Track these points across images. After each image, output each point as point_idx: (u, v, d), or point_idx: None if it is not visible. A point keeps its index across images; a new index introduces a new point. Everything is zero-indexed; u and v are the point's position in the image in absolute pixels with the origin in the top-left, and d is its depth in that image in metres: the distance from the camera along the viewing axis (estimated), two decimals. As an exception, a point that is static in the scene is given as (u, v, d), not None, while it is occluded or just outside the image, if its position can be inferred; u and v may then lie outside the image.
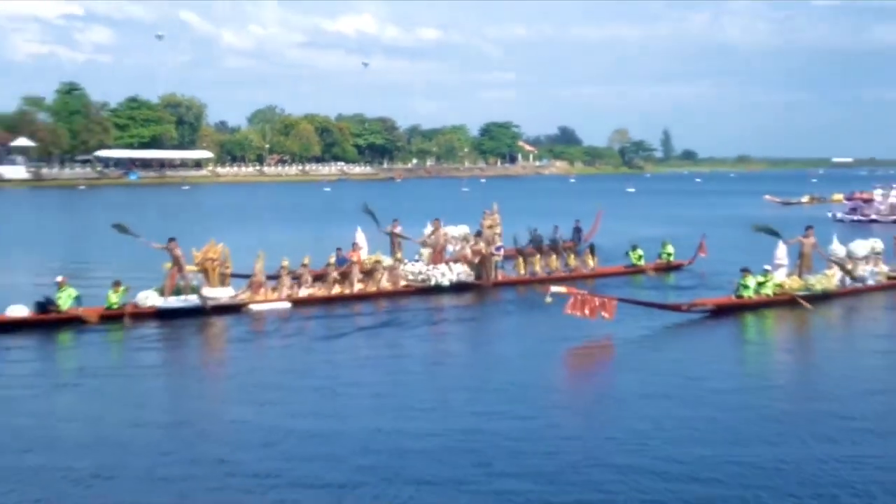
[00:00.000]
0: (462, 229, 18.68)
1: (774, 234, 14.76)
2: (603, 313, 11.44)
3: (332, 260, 15.88)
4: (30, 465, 6.73)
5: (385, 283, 15.80)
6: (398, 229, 18.54)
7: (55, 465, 6.68)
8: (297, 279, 15.07)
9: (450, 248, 18.29)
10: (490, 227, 17.70)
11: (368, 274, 15.88)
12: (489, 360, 11.18)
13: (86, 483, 6.30)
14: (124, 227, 14.17)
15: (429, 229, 18.35)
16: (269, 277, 14.85)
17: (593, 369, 11.16)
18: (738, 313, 13.59)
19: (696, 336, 12.52)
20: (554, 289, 12.03)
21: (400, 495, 5.94)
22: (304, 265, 15.30)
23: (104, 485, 6.29)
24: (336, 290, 15.31)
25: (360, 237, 17.97)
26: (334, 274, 15.34)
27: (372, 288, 15.71)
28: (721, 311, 13.36)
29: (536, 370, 10.17)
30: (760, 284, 13.76)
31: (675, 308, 13.11)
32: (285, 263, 14.88)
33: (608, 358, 11.46)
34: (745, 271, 13.88)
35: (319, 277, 15.44)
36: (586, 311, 11.40)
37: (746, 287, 13.62)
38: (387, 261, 16.37)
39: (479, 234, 17.61)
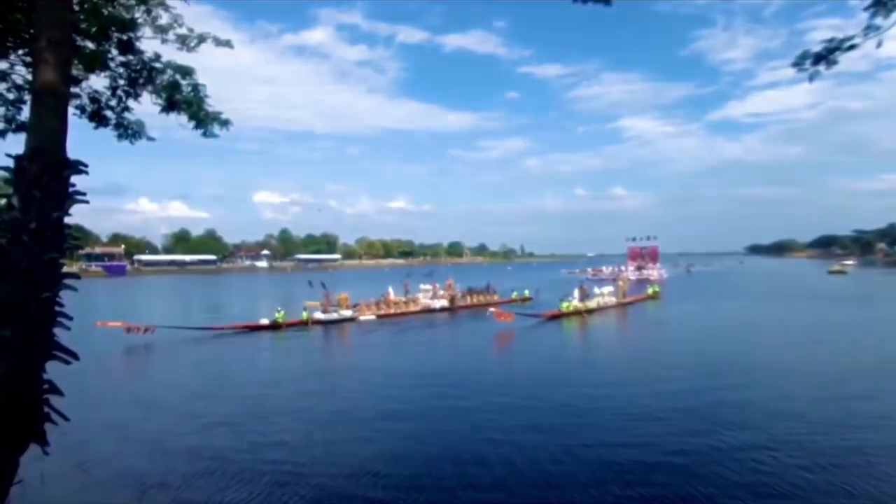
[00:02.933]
0: (429, 286, 36.38)
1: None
2: (508, 319, 27.42)
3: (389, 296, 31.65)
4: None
5: (413, 307, 31.63)
6: (407, 284, 35.56)
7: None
8: (369, 306, 30.33)
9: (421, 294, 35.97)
10: (449, 284, 35.50)
11: (388, 304, 31.56)
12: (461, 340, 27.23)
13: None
14: (311, 283, 28.90)
15: (426, 286, 35.56)
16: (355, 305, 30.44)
17: (506, 346, 26.27)
18: (559, 318, 30.67)
19: (544, 328, 29.23)
20: (491, 309, 28.17)
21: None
22: (383, 301, 30.69)
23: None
24: (385, 310, 30.89)
25: (390, 290, 34.45)
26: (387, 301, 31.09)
27: (408, 309, 31.33)
28: (552, 317, 30.34)
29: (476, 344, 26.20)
30: (568, 305, 31.12)
31: (536, 316, 29.80)
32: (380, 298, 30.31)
33: (512, 340, 26.75)
34: (562, 300, 31.23)
35: (377, 304, 30.99)
36: (503, 319, 27.35)
37: (562, 307, 30.85)
38: (400, 298, 32.37)
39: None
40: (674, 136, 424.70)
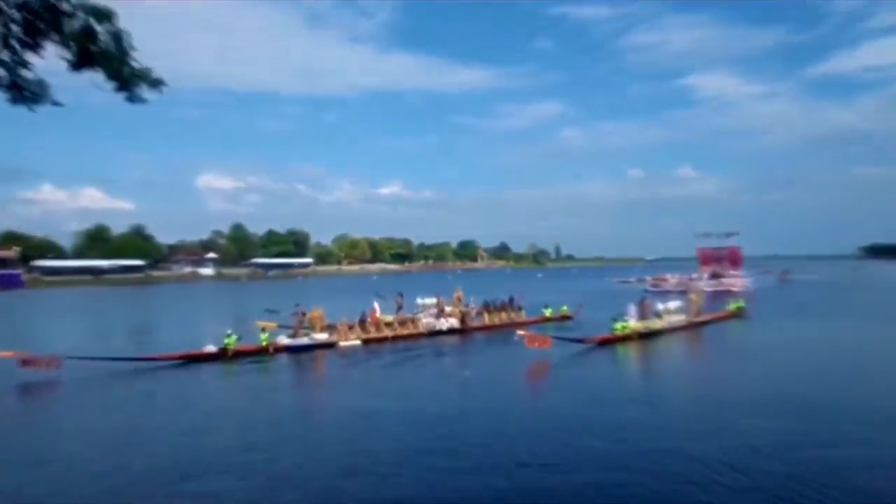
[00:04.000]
0: (433, 300, 36.80)
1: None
2: (543, 345, 27.52)
3: (368, 317, 31.87)
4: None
5: (411, 329, 31.73)
6: (400, 299, 36.08)
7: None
8: (351, 327, 30.43)
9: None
10: (457, 297, 36.14)
11: (376, 326, 31.87)
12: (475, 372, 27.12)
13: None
14: (271, 310, 28.97)
15: (429, 300, 35.98)
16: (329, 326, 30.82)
17: (541, 383, 25.78)
18: (612, 343, 30.61)
19: (592, 358, 29.06)
20: (520, 332, 28.15)
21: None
22: (365, 320, 30.80)
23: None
24: (373, 333, 30.95)
25: (376, 305, 34.66)
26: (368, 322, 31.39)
27: (404, 332, 31.37)
28: (603, 342, 30.30)
29: (503, 378, 26.10)
30: (623, 327, 31.03)
31: (580, 340, 29.80)
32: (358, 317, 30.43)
33: (548, 373, 26.57)
34: (615, 319, 31.18)
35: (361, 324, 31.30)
36: (536, 344, 27.46)
37: (615, 329, 30.80)
38: (388, 318, 32.63)
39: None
40: (761, 99, 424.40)
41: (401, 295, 37.75)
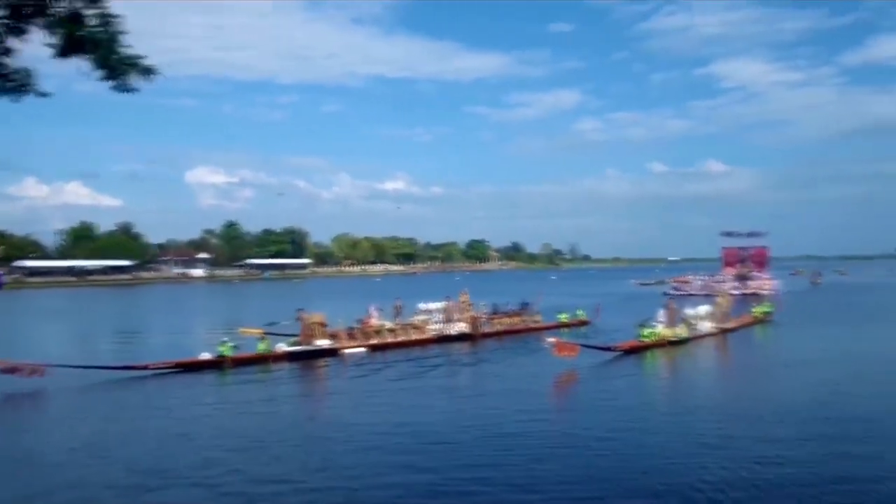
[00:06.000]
0: (437, 304, 36.91)
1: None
2: (571, 354, 26.95)
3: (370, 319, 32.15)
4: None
5: (419, 335, 31.81)
6: (399, 304, 36.16)
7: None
8: (353, 334, 30.49)
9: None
10: (463, 301, 36.34)
11: (377, 333, 32.27)
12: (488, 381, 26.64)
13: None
14: (272, 323, 30.52)
15: (433, 305, 36.42)
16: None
17: (572, 397, 24.63)
18: (639, 351, 30.21)
19: (620, 367, 28.37)
20: (550, 340, 27.60)
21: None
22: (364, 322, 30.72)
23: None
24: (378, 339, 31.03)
25: (373, 310, 34.92)
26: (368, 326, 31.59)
27: (411, 337, 31.43)
28: (631, 350, 29.94)
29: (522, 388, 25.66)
30: (651, 334, 30.68)
31: (608, 349, 29.49)
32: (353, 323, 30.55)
33: (577, 385, 25.69)
34: (642, 325, 30.83)
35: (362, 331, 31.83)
36: (565, 353, 26.76)
37: (643, 336, 30.44)
38: (388, 324, 33.40)
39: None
40: (794, 87, 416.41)
41: (399, 301, 37.48)
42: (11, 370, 23.76)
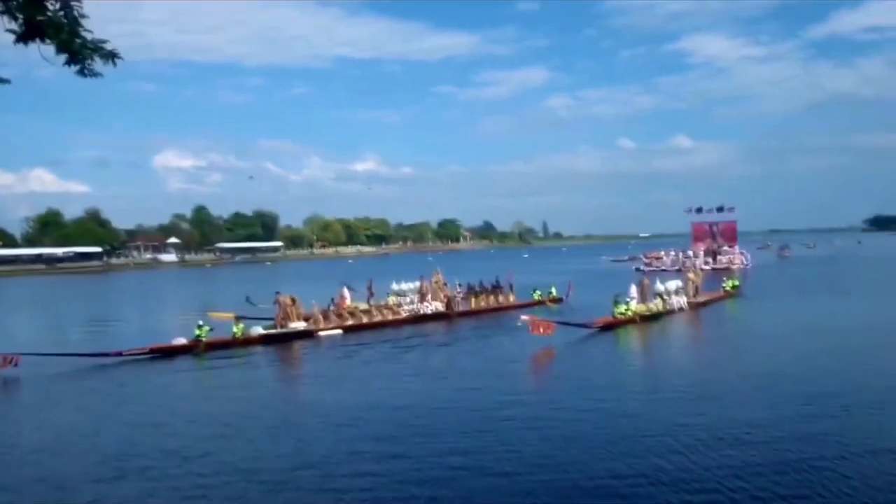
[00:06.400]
0: (411, 284, 37.00)
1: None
2: (548, 331, 26.97)
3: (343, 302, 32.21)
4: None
5: (393, 315, 31.80)
6: (371, 285, 36.08)
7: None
8: (327, 315, 30.54)
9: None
10: (436, 280, 36.54)
11: (352, 314, 32.37)
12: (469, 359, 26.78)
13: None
14: (250, 300, 30.48)
15: (406, 285, 36.68)
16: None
17: (551, 375, 24.65)
18: (614, 328, 30.39)
19: (596, 343, 28.68)
20: (524, 317, 27.74)
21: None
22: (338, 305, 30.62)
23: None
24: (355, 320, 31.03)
25: (346, 292, 35.26)
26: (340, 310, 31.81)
27: (385, 318, 31.43)
28: (606, 327, 30.13)
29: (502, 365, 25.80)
30: (626, 310, 30.97)
31: (584, 325, 29.66)
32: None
33: (555, 363, 25.56)
34: (617, 301, 31.13)
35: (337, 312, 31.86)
36: (540, 330, 26.86)
37: (619, 312, 30.73)
38: (362, 305, 33.37)
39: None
40: (759, 62, 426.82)
41: (371, 281, 37.30)
42: (-14, 360, 23.52)
